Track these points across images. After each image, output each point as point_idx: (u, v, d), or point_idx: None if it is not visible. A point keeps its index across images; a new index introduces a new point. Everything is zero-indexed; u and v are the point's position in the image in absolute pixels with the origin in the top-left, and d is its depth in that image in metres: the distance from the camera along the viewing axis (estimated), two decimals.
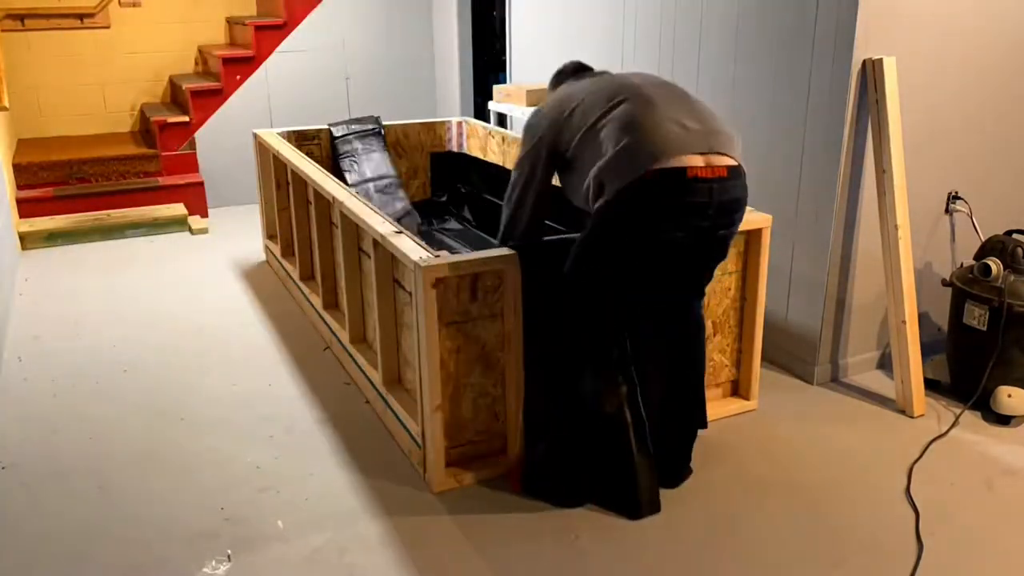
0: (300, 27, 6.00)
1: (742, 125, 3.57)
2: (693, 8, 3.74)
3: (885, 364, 3.54)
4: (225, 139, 5.90)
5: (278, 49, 5.97)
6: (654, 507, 2.61)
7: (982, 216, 3.50)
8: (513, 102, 4.89)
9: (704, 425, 2.94)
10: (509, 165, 4.60)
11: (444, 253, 2.65)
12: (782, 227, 3.40)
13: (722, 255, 2.55)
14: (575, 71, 2.83)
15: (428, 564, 2.39)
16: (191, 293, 4.41)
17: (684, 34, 3.82)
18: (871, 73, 3.08)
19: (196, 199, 5.67)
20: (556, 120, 2.58)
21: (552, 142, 2.58)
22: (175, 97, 6.28)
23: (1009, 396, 3.11)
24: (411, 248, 2.70)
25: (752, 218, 3.00)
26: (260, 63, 5.93)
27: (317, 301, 3.90)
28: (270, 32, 5.93)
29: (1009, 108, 3.46)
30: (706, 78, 3.73)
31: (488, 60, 6.70)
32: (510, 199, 2.71)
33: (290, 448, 2.98)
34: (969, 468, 2.85)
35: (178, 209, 5.52)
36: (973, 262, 3.26)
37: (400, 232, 2.87)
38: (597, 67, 2.88)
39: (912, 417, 3.16)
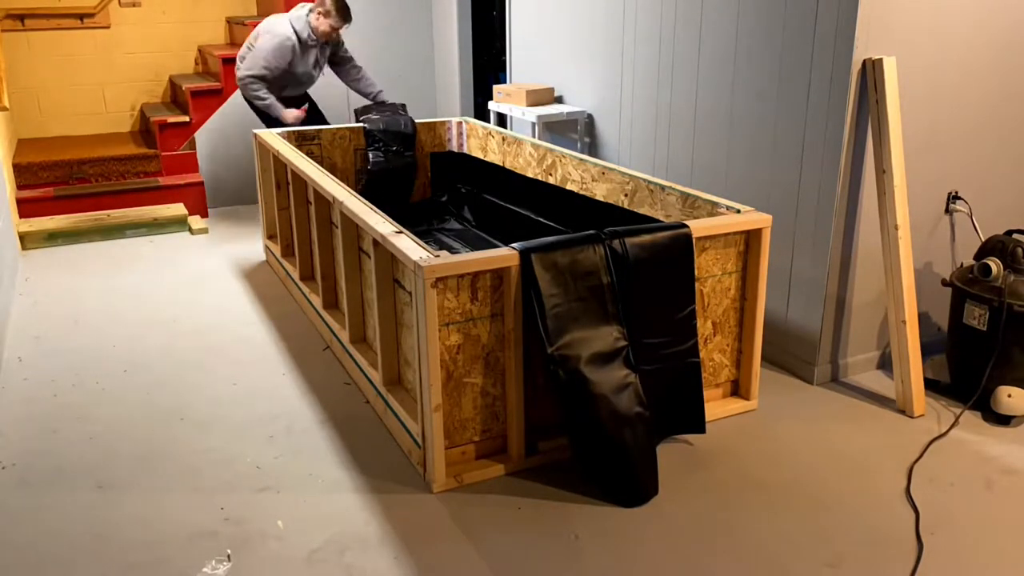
0: None
1: (742, 125, 3.58)
2: (693, 8, 3.74)
3: (885, 364, 3.54)
4: (225, 139, 5.90)
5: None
6: (654, 490, 2.70)
7: (982, 216, 3.50)
8: (513, 102, 4.90)
9: (702, 429, 2.95)
10: (509, 165, 4.61)
11: (444, 253, 2.66)
12: (782, 227, 3.41)
13: None
14: None
15: (428, 564, 2.39)
16: (191, 293, 4.41)
17: (684, 34, 3.82)
18: (871, 73, 3.08)
19: (196, 199, 5.67)
20: None
21: None
22: (175, 97, 6.28)
23: (1009, 396, 3.11)
24: (411, 248, 2.70)
25: (752, 218, 3.00)
26: None
27: (317, 301, 3.90)
28: None
29: (1009, 108, 3.46)
30: (706, 78, 3.73)
31: (488, 60, 6.71)
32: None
33: (290, 448, 2.98)
34: (969, 468, 2.85)
35: (178, 209, 5.53)
36: (973, 262, 3.26)
37: (400, 232, 2.87)
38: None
39: (912, 417, 3.17)
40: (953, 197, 3.47)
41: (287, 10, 5.94)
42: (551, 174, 4.21)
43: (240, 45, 6.19)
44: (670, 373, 2.87)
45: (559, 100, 4.86)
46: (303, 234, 4.14)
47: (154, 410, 3.25)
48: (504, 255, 2.64)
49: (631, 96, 4.24)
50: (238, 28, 6.26)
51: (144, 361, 3.65)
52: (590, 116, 4.60)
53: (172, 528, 2.55)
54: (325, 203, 3.66)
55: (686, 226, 2.87)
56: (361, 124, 4.90)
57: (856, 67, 3.07)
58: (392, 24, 6.36)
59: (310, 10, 4.97)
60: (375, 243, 2.98)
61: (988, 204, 3.53)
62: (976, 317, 3.18)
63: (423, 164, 5.09)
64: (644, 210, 3.53)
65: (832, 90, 3.15)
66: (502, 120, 5.30)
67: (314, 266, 3.91)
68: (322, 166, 3.99)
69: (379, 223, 2.99)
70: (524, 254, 2.64)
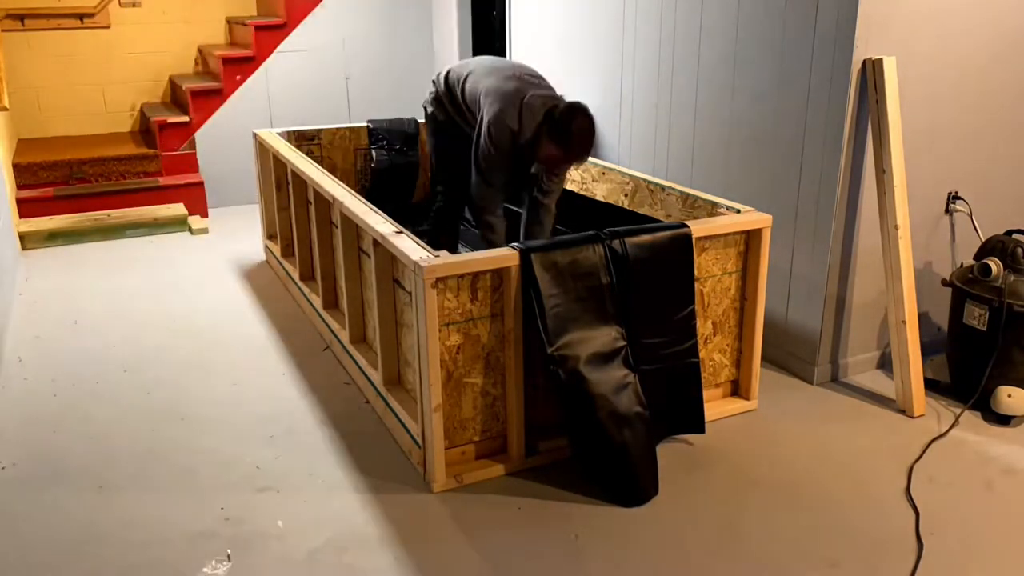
0: (300, 27, 6.00)
1: (742, 125, 3.58)
2: (693, 9, 3.74)
3: (885, 364, 3.54)
4: (225, 139, 5.90)
5: (278, 49, 5.97)
6: (654, 490, 2.70)
7: (982, 216, 3.50)
8: None
9: (702, 430, 2.95)
10: None
11: (444, 253, 2.66)
12: (782, 227, 3.41)
13: None
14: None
15: (428, 564, 2.39)
16: (191, 293, 4.41)
17: (684, 35, 3.82)
18: (871, 73, 3.08)
19: (196, 199, 5.67)
20: None
21: None
22: (175, 97, 6.28)
23: (1009, 396, 3.11)
24: (411, 248, 2.70)
25: (752, 218, 3.01)
26: (260, 63, 5.93)
27: (317, 301, 3.90)
28: (270, 32, 5.93)
29: (1009, 108, 3.46)
30: (706, 78, 3.73)
31: None
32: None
33: (290, 448, 2.98)
34: (969, 468, 2.85)
35: (178, 209, 5.52)
36: (973, 262, 3.26)
37: (400, 232, 2.87)
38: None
39: (912, 417, 3.16)
40: (953, 197, 3.47)
41: (287, 11, 5.95)
42: None
43: (240, 45, 6.21)
44: (669, 373, 2.87)
45: None
46: (303, 234, 4.14)
47: (154, 410, 3.25)
48: (504, 255, 2.64)
49: (631, 96, 4.24)
50: (238, 28, 6.26)
51: (144, 361, 3.65)
52: None
53: (172, 528, 2.55)
54: (325, 203, 3.66)
55: (686, 226, 2.87)
56: (363, 124, 4.92)
57: (856, 67, 3.07)
58: (392, 24, 6.36)
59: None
60: (375, 243, 2.98)
61: (988, 204, 3.53)
62: (976, 317, 3.18)
63: (423, 164, 5.09)
64: (644, 210, 3.53)
65: (832, 90, 3.15)
66: None
67: (314, 266, 3.91)
68: (322, 166, 3.98)
69: (379, 223, 2.99)
70: (524, 254, 2.64)
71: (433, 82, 3.85)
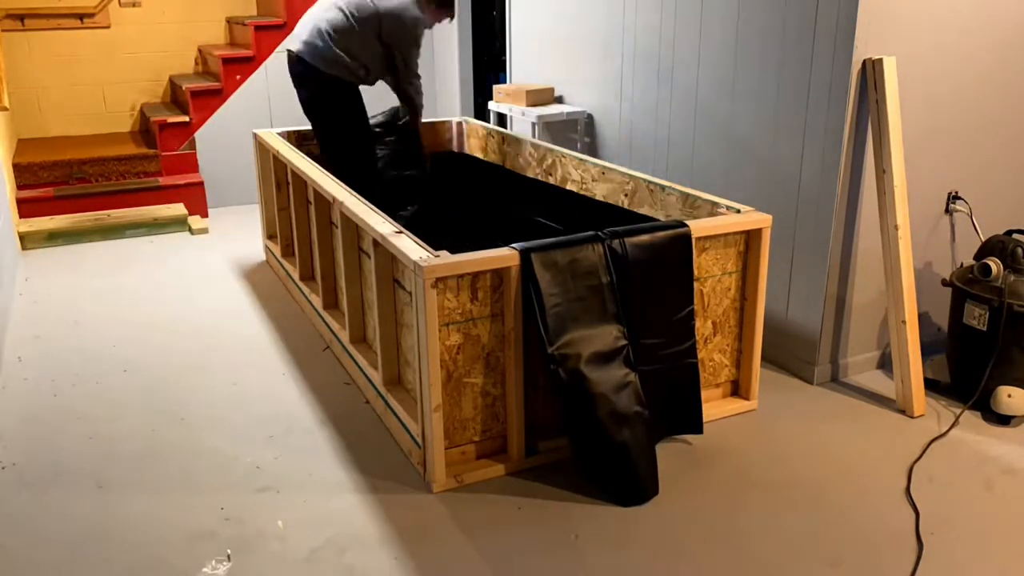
0: None
1: (742, 125, 3.58)
2: (693, 8, 3.74)
3: (885, 364, 3.54)
4: (225, 139, 5.90)
5: (278, 49, 5.96)
6: (654, 490, 2.69)
7: (982, 216, 3.50)
8: (513, 102, 4.89)
9: (699, 430, 2.95)
10: (509, 165, 4.61)
11: (444, 253, 2.66)
12: (782, 227, 3.41)
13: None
14: None
15: (428, 564, 2.39)
16: (191, 293, 4.41)
17: (684, 34, 3.82)
18: (871, 73, 3.08)
19: (196, 199, 5.67)
20: None
21: None
22: (175, 97, 6.28)
23: (1009, 396, 3.11)
24: (411, 248, 2.70)
25: (752, 218, 3.01)
26: (260, 63, 5.93)
27: (317, 301, 3.90)
28: (270, 32, 5.93)
29: (1009, 108, 3.46)
30: (706, 78, 3.73)
31: (488, 60, 6.70)
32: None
33: (290, 448, 2.98)
34: (969, 468, 2.85)
35: (178, 209, 5.52)
36: (973, 262, 3.26)
37: (400, 232, 2.87)
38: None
39: (912, 417, 3.16)
40: (953, 197, 3.47)
41: (287, 10, 5.95)
42: (551, 174, 4.21)
43: (240, 45, 6.20)
44: (668, 374, 2.87)
45: (559, 100, 4.86)
46: (303, 234, 4.14)
47: (154, 410, 3.25)
48: (504, 255, 2.64)
49: (631, 96, 4.24)
50: (238, 28, 6.26)
51: (144, 361, 3.65)
52: (590, 116, 4.60)
53: (172, 528, 2.55)
54: (325, 203, 3.66)
55: (686, 225, 2.87)
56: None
57: (856, 67, 3.07)
58: None
59: None
60: (375, 243, 2.98)
61: (988, 204, 3.53)
62: (976, 317, 3.18)
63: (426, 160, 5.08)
64: (644, 210, 3.53)
65: (832, 90, 3.15)
66: (502, 120, 5.30)
67: (314, 266, 3.91)
68: (322, 166, 3.98)
69: (379, 223, 2.99)
70: (524, 254, 2.64)
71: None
